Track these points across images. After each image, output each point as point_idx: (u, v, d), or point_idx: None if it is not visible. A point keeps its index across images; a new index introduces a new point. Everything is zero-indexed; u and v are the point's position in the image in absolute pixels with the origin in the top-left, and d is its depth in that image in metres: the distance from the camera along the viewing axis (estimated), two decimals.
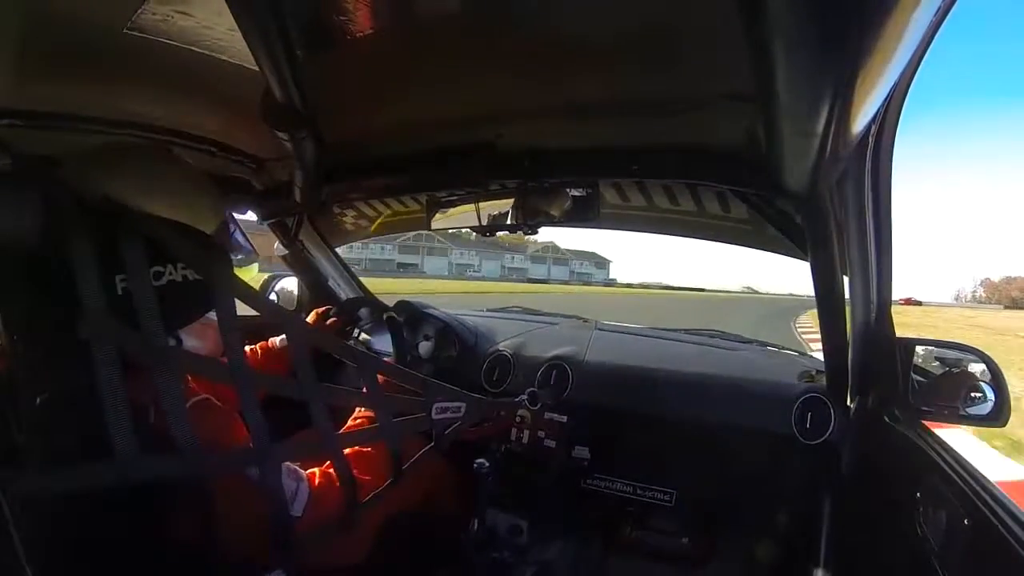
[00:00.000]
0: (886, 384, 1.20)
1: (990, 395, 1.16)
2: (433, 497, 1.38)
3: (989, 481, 0.89)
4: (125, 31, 0.82)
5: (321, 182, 1.31)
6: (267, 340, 1.46)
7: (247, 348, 1.35)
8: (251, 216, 1.61)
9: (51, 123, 1.01)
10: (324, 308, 1.60)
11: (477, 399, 1.16)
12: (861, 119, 0.63)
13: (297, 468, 0.90)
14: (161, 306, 0.70)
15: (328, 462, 0.91)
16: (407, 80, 1.00)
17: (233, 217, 0.98)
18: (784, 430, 1.35)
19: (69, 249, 0.66)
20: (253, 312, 0.78)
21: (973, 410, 1.17)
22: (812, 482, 1.36)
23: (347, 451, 0.95)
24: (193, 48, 0.88)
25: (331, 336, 1.46)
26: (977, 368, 1.19)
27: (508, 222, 1.28)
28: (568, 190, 1.25)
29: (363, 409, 1.11)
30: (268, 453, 0.77)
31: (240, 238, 1.10)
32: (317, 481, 0.91)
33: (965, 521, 0.85)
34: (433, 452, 1.08)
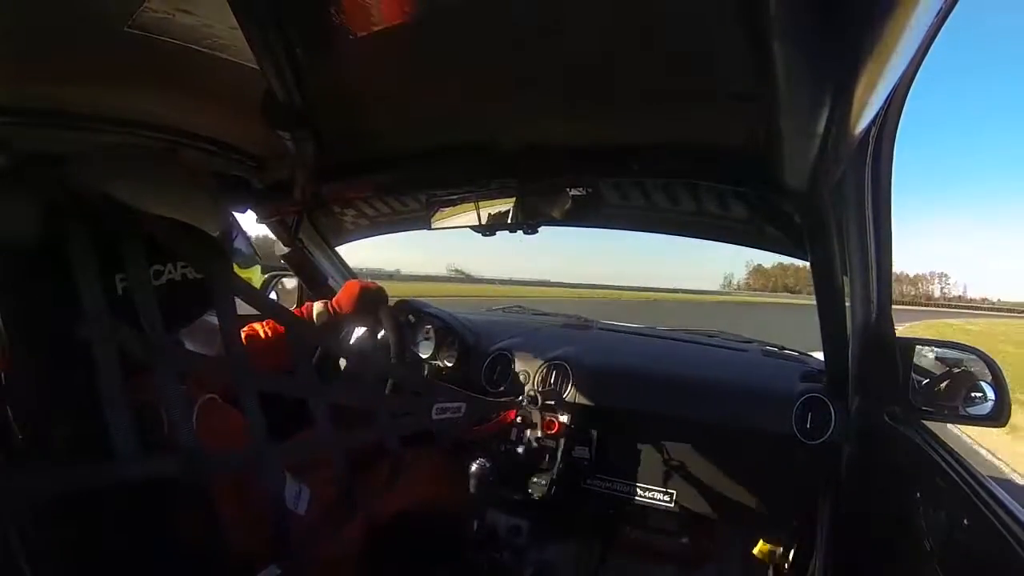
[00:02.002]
0: (886, 384, 1.20)
1: (990, 395, 1.16)
2: (433, 497, 1.38)
3: (989, 481, 0.89)
4: (126, 29, 0.82)
5: (321, 181, 1.31)
6: (249, 325, 1.31)
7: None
8: (251, 215, 1.61)
9: (51, 122, 1.01)
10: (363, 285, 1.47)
11: (477, 399, 1.16)
12: (861, 120, 0.63)
13: (294, 481, 0.90)
14: (161, 305, 0.70)
15: (327, 464, 0.91)
16: (407, 79, 1.00)
17: (236, 220, 0.98)
18: (784, 430, 1.35)
19: (68, 248, 0.66)
20: (253, 311, 0.78)
21: (973, 410, 1.17)
22: (812, 482, 1.36)
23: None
24: (194, 46, 0.88)
25: (333, 335, 1.46)
26: (977, 368, 1.19)
27: (508, 221, 1.28)
28: (568, 189, 1.25)
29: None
30: (268, 452, 0.78)
31: (243, 241, 1.10)
32: (318, 484, 0.92)
33: (965, 521, 0.85)
34: (433, 452, 1.08)
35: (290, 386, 0.83)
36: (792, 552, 1.46)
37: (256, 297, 0.81)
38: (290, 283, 1.96)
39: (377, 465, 1.05)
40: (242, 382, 0.75)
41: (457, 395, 1.09)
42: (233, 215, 0.96)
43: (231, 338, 0.75)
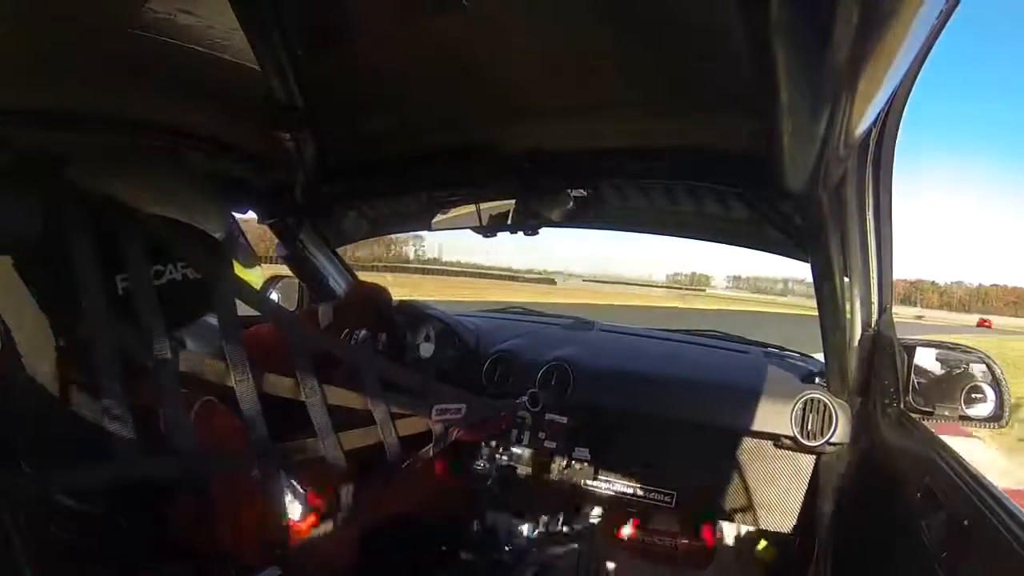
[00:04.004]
0: (887, 385, 1.20)
1: (991, 396, 1.17)
2: (433, 498, 1.38)
3: (990, 482, 0.89)
4: (127, 30, 0.82)
5: (322, 182, 1.31)
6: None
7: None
8: (252, 216, 1.61)
9: (52, 122, 1.01)
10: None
11: (478, 400, 1.16)
12: (862, 121, 0.63)
13: (294, 483, 0.90)
14: (162, 305, 0.70)
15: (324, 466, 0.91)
16: (408, 80, 1.00)
17: (236, 222, 0.98)
18: (785, 431, 1.35)
19: (70, 248, 0.66)
20: (253, 312, 0.78)
21: (973, 411, 1.18)
22: (813, 483, 1.36)
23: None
24: (195, 47, 0.88)
25: (331, 336, 1.46)
26: (978, 369, 1.20)
27: (509, 222, 1.28)
28: (568, 191, 1.25)
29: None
30: (267, 454, 0.77)
31: (243, 242, 1.10)
32: (313, 490, 0.91)
33: (965, 522, 0.85)
34: (433, 453, 1.08)
35: (288, 388, 0.82)
36: (793, 553, 1.46)
37: (256, 298, 0.81)
38: (290, 284, 1.95)
39: (376, 467, 1.05)
40: (241, 382, 0.75)
41: (458, 396, 1.09)
42: (233, 216, 0.96)
43: (231, 339, 0.75)
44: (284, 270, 1.88)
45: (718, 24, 0.70)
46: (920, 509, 1.00)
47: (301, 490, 0.88)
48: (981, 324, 59.01)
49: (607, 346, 1.75)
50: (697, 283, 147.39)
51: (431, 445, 1.07)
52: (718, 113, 0.94)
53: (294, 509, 0.86)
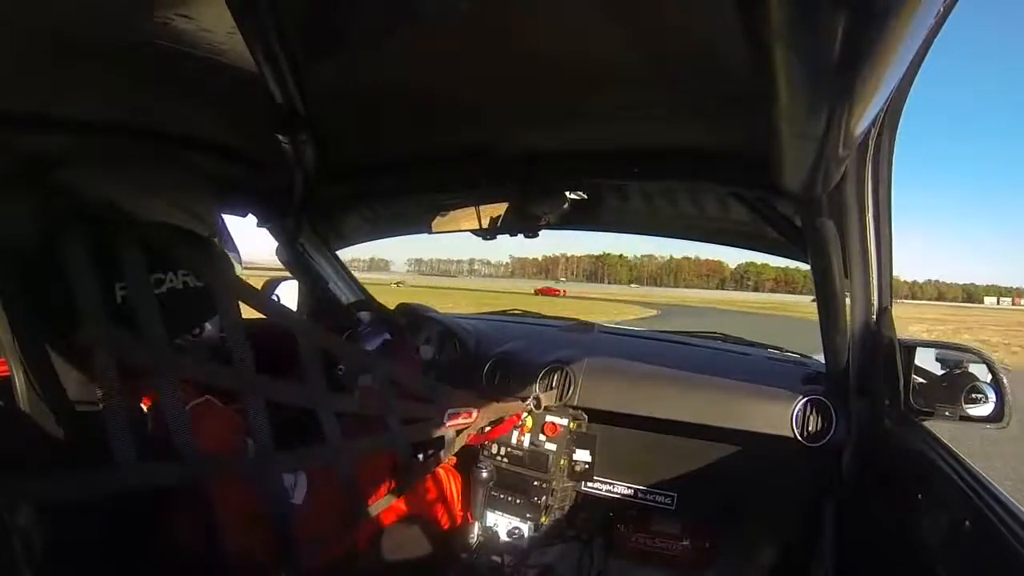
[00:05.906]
0: (887, 386, 1.20)
1: (991, 396, 1.17)
2: (434, 499, 1.38)
3: (991, 483, 0.89)
4: (125, 34, 0.82)
5: (322, 185, 1.31)
6: None
7: None
8: (251, 219, 1.61)
9: (50, 127, 1.01)
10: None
11: (487, 404, 1.15)
12: (862, 121, 0.63)
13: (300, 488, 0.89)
14: (162, 313, 0.70)
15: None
16: (407, 83, 1.00)
17: (224, 223, 0.97)
18: (785, 433, 1.35)
19: (67, 255, 0.65)
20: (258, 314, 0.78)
21: (974, 411, 1.18)
22: (814, 485, 1.36)
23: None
24: (193, 51, 0.88)
25: (341, 340, 1.45)
26: (978, 369, 1.20)
27: (508, 225, 1.28)
28: (567, 193, 1.25)
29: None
30: (273, 460, 0.77)
31: (229, 244, 1.09)
32: (316, 474, 0.90)
33: (966, 523, 0.85)
34: (444, 459, 1.07)
35: (298, 394, 0.82)
36: (794, 555, 1.45)
37: (261, 302, 0.80)
38: (290, 287, 1.95)
39: (385, 473, 1.04)
40: (247, 388, 0.74)
41: (468, 401, 1.08)
42: (223, 218, 0.96)
43: (235, 345, 0.74)
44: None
45: (717, 25, 0.70)
46: (921, 510, 1.00)
47: (297, 477, 0.87)
48: (542, 292, 51.12)
49: (607, 348, 1.75)
50: (375, 267, 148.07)
51: (442, 451, 1.07)
52: (718, 114, 0.94)
53: (295, 498, 0.85)
